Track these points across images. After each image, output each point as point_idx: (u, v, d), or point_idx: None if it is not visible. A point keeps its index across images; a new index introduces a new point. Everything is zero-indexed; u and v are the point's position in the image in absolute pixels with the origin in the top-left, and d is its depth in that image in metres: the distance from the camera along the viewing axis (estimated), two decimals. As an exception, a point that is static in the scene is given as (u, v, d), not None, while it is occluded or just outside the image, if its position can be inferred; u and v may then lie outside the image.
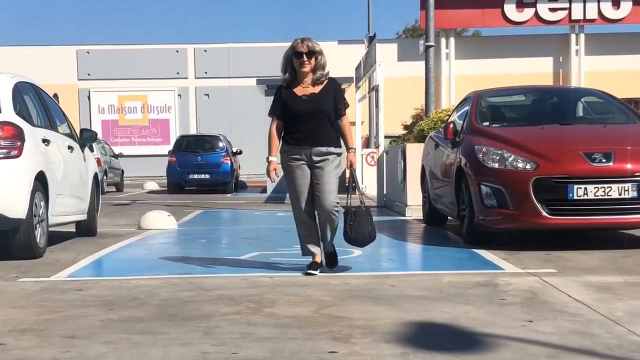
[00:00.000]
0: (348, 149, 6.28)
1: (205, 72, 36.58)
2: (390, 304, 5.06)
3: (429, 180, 10.19)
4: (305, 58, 6.13)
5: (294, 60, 6.18)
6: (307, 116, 6.14)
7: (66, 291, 5.70)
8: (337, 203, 6.20)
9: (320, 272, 6.21)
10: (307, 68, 6.16)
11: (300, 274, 6.20)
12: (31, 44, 37.31)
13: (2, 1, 76.68)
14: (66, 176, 8.58)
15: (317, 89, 6.20)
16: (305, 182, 6.19)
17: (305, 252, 6.38)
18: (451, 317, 4.63)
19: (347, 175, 6.59)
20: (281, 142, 6.31)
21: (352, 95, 22.19)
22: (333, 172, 6.19)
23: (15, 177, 7.25)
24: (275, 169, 6.30)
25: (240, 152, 24.84)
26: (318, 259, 6.31)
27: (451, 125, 8.90)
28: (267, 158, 6.34)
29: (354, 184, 6.34)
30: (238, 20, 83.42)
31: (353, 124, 21.84)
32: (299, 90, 6.20)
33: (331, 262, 6.38)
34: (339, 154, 6.25)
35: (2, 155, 7.19)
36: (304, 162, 6.17)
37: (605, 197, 7.28)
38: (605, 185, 7.27)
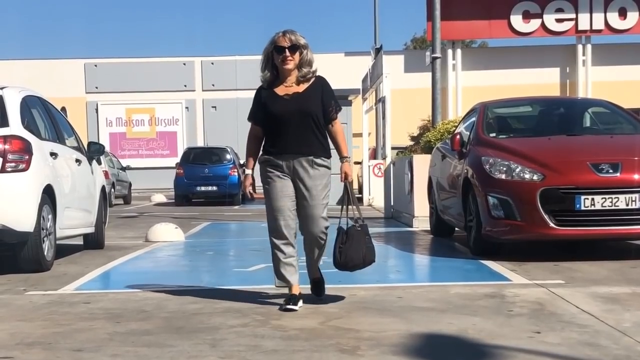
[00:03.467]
0: (342, 158, 5.36)
1: (213, 85, 36.69)
2: (397, 315, 5.05)
3: (436, 192, 10.18)
4: (287, 53, 5.25)
5: (275, 56, 5.29)
6: (288, 119, 5.24)
7: (74, 304, 5.71)
8: (326, 227, 5.35)
9: (301, 304, 5.33)
10: (290, 65, 5.27)
11: (307, 286, 6.18)
12: (39, 58, 37.50)
13: (10, 15, 77.21)
14: (74, 189, 8.61)
15: (302, 88, 5.32)
16: (285, 195, 5.28)
17: (280, 281, 5.44)
18: (459, 328, 4.63)
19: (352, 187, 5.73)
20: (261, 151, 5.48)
21: (359, 106, 22.24)
22: (322, 191, 5.30)
23: (23, 191, 7.27)
24: (252, 184, 5.47)
25: (247, 164, 24.83)
26: (296, 289, 5.38)
27: (458, 137, 8.91)
28: (244, 170, 5.53)
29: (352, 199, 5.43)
30: (244, 33, 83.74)
31: (360, 135, 21.99)
32: (280, 90, 5.32)
33: (317, 289, 5.60)
34: (328, 167, 5.35)
35: (10, 169, 7.22)
36: (286, 174, 5.29)
37: (613, 207, 7.26)
38: (613, 196, 7.26)
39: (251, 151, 5.47)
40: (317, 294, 5.61)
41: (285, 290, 5.45)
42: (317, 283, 5.62)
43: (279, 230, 5.29)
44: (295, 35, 5.30)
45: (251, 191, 5.49)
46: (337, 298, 5.66)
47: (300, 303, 5.34)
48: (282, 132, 5.28)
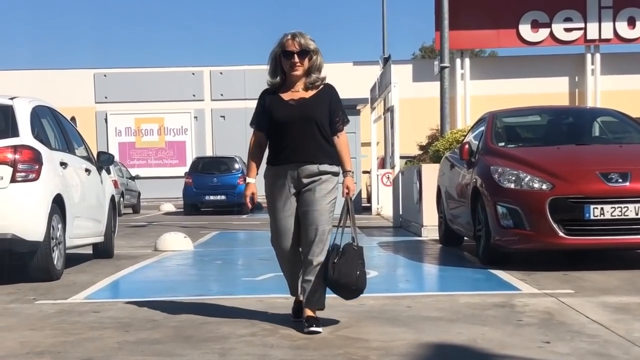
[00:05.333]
0: (345, 172, 4.99)
1: (221, 94, 36.79)
2: (406, 325, 5.04)
3: (444, 201, 10.17)
4: (296, 59, 4.91)
5: (282, 61, 4.95)
6: (293, 125, 4.91)
7: (83, 313, 5.72)
8: (328, 235, 4.95)
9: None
10: (299, 71, 4.95)
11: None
12: (49, 68, 37.68)
13: (20, 26, 77.58)
14: (83, 199, 8.64)
15: (309, 94, 4.99)
16: (290, 215, 4.98)
17: (293, 292, 5.23)
18: (468, 338, 4.62)
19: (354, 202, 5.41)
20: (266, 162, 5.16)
21: (368, 116, 22.24)
22: (327, 197, 4.94)
23: (33, 200, 7.30)
24: (253, 194, 5.09)
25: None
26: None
27: (467, 146, 8.90)
28: (245, 179, 5.26)
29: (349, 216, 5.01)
30: (253, 43, 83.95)
31: (368, 144, 21.99)
32: (286, 95, 5.00)
33: (310, 322, 4.89)
34: (335, 174, 5.00)
35: (20, 179, 7.25)
36: (291, 187, 4.97)
37: (622, 217, 7.24)
38: (622, 205, 7.24)
39: (253, 159, 5.13)
40: (307, 326, 4.87)
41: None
42: (310, 319, 4.90)
43: (285, 251, 5.04)
44: (305, 39, 4.94)
45: (249, 203, 5.09)
46: (345, 307, 5.65)
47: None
48: (286, 139, 4.95)
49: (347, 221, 5.02)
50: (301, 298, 5.04)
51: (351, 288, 4.91)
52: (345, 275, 4.84)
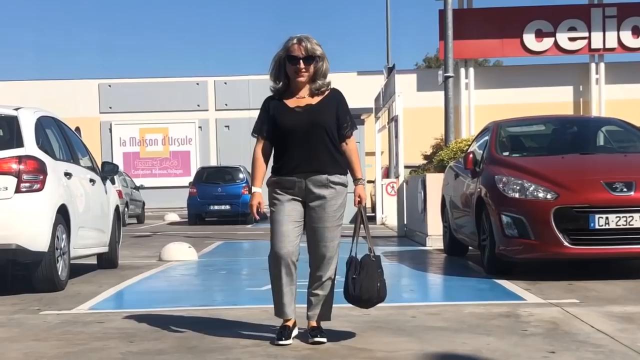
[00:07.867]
0: (355, 180, 4.85)
1: (226, 104, 36.88)
2: (411, 335, 5.03)
3: (449, 210, 10.17)
4: (302, 65, 4.73)
5: (287, 65, 4.77)
6: (300, 133, 4.72)
7: (87, 324, 5.72)
8: (338, 247, 4.85)
9: (296, 333, 4.92)
10: (304, 77, 4.77)
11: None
12: (53, 78, 37.80)
13: (24, 36, 77.86)
14: (88, 209, 8.64)
15: (315, 100, 4.80)
16: (292, 220, 4.76)
17: (279, 312, 4.90)
18: (473, 348, 4.60)
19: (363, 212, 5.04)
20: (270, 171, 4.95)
21: (372, 125, 22.27)
22: (337, 211, 4.80)
23: (38, 210, 7.31)
24: (259, 203, 4.85)
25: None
26: (292, 322, 4.89)
27: (471, 155, 8.90)
28: (250, 189, 4.95)
29: (362, 225, 4.89)
30: (257, 53, 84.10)
31: (373, 153, 22.01)
32: (291, 102, 4.80)
33: (314, 332, 4.87)
34: (344, 185, 4.83)
35: (24, 189, 7.26)
36: (297, 196, 4.78)
37: (627, 226, 7.22)
38: (627, 215, 7.23)
39: (258, 167, 4.87)
40: (312, 335, 4.85)
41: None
42: (315, 329, 4.89)
43: (283, 258, 4.73)
44: (311, 44, 4.75)
45: (256, 213, 4.85)
46: (350, 317, 5.65)
47: (295, 331, 4.92)
48: (292, 148, 4.75)
49: (361, 231, 4.90)
50: (291, 317, 4.88)
51: (373, 301, 4.88)
52: (367, 290, 4.77)
